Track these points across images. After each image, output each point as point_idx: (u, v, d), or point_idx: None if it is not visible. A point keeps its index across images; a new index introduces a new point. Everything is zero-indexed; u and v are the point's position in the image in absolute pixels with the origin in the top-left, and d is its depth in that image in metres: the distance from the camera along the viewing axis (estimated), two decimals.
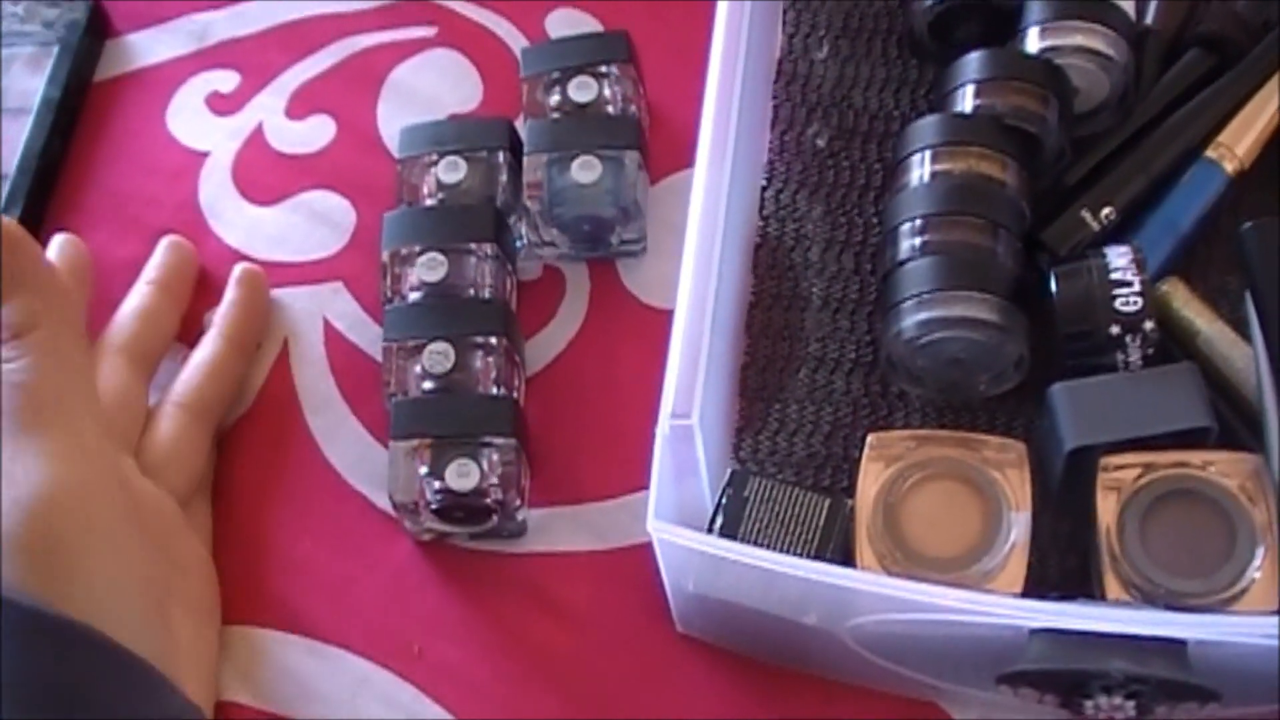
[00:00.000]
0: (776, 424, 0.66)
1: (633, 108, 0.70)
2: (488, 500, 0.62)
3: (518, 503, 0.63)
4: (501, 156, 0.70)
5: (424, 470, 0.63)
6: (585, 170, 0.67)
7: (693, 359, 0.57)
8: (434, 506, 0.63)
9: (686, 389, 0.56)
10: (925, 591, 0.53)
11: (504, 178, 0.69)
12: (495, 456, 0.63)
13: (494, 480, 0.62)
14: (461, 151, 0.70)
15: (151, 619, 0.57)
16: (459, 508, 0.63)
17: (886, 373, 0.65)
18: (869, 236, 0.69)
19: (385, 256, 0.68)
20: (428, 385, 0.65)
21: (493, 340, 0.65)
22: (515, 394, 0.66)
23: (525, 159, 0.68)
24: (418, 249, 0.67)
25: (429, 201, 0.69)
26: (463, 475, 0.62)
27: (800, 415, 0.66)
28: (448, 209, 0.69)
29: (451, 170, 0.69)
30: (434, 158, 0.70)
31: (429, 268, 0.66)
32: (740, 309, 0.68)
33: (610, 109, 0.69)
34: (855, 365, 0.67)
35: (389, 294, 0.67)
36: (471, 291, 0.67)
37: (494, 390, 0.65)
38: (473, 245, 0.67)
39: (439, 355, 0.65)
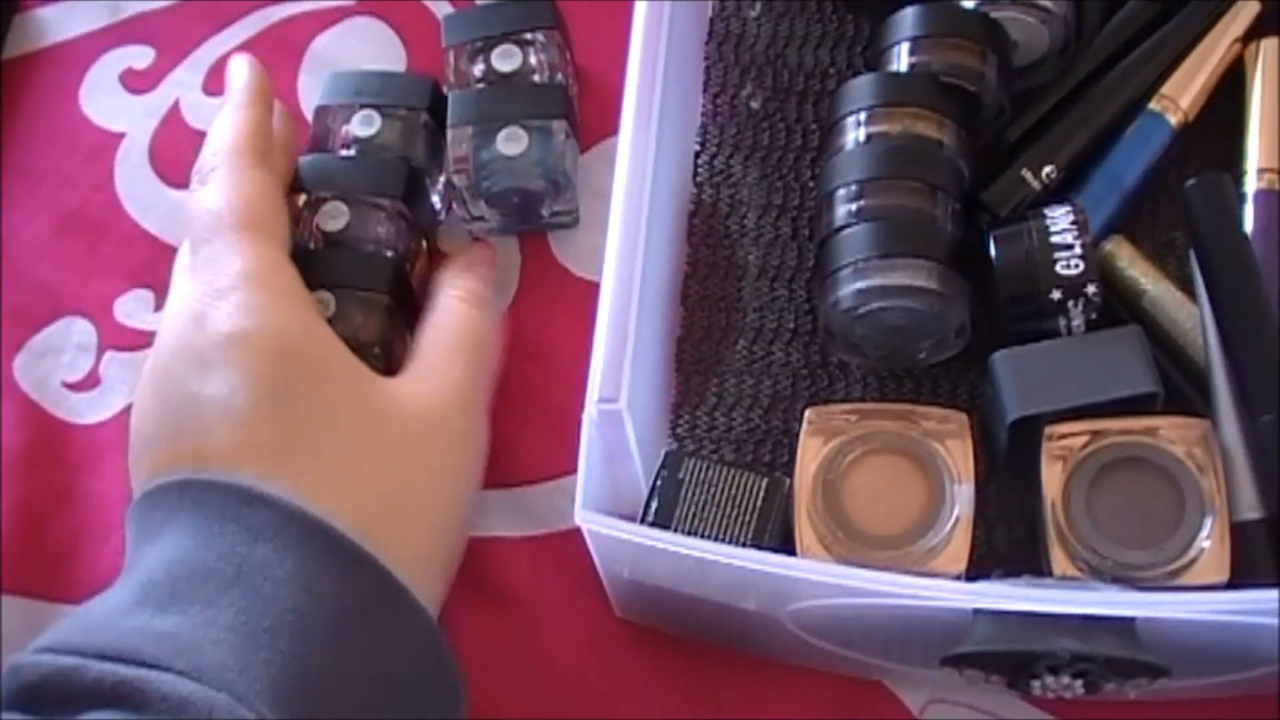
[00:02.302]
0: (715, 398, 0.64)
1: (560, 76, 0.67)
2: None
3: None
4: (421, 118, 0.67)
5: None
6: (511, 142, 0.65)
7: (620, 339, 0.55)
8: None
9: (614, 371, 0.55)
10: (865, 577, 0.51)
11: (421, 140, 0.67)
12: None
13: None
14: (380, 106, 0.67)
15: None
16: None
17: (825, 342, 0.64)
18: (806, 201, 0.67)
19: (299, 201, 0.65)
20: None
21: (377, 297, 0.63)
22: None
23: (450, 132, 0.66)
24: (325, 195, 0.64)
25: (341, 153, 0.67)
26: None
27: (739, 389, 0.64)
28: (361, 160, 0.66)
29: (366, 124, 0.66)
30: (352, 108, 0.67)
31: (331, 216, 0.64)
32: (675, 279, 0.66)
33: (536, 77, 0.67)
34: (794, 335, 0.65)
35: (297, 239, 0.64)
36: (371, 247, 0.64)
37: (376, 351, 0.62)
38: (381, 201, 0.64)
39: (321, 304, 0.62)
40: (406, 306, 0.64)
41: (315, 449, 0.54)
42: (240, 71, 0.65)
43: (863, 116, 0.62)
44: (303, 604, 0.50)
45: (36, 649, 0.49)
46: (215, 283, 0.57)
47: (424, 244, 0.67)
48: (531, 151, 0.65)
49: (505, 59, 0.67)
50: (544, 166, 0.65)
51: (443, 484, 0.58)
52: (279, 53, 0.72)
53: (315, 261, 0.62)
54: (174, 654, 0.48)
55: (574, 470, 0.54)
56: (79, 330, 0.68)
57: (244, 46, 0.73)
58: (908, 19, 0.64)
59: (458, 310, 0.63)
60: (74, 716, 0.47)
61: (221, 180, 0.60)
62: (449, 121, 0.66)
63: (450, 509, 0.58)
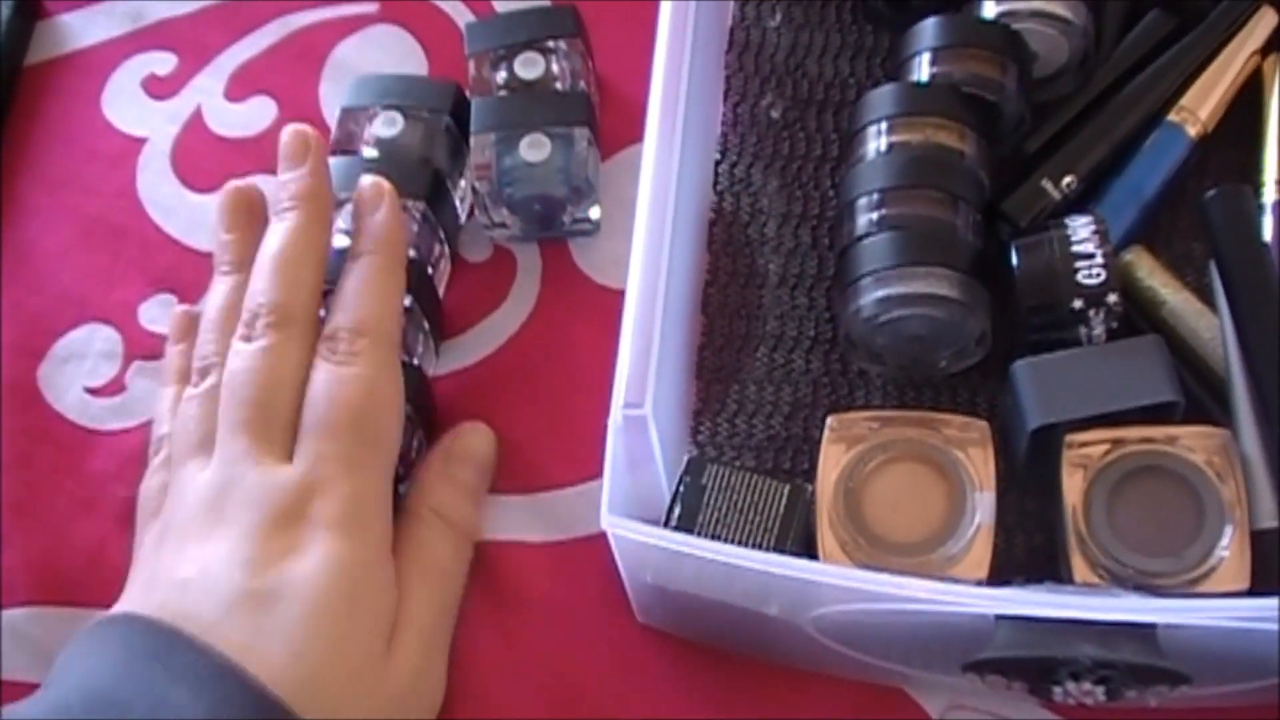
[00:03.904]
0: (735, 405, 0.65)
1: (581, 83, 0.68)
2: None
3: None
4: (444, 121, 0.68)
5: None
6: (534, 149, 0.65)
7: (645, 346, 0.55)
8: None
9: (639, 378, 0.55)
10: (888, 582, 0.51)
11: (443, 143, 0.67)
12: None
13: None
14: (403, 108, 0.68)
15: None
16: None
17: (846, 350, 0.64)
18: (826, 210, 0.67)
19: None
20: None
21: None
22: (417, 363, 0.64)
23: (472, 139, 0.66)
24: (343, 196, 0.65)
25: (365, 153, 0.67)
26: None
27: (759, 396, 0.65)
28: (384, 162, 0.67)
29: (389, 125, 0.67)
30: (375, 111, 0.68)
31: (351, 217, 0.64)
32: (696, 287, 0.66)
33: (559, 85, 0.67)
34: (815, 343, 0.65)
35: None
36: None
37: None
38: (404, 202, 0.64)
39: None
40: (429, 308, 0.64)
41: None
42: (383, 217, 0.63)
43: (884, 126, 0.63)
44: None
45: None
46: (323, 488, 0.57)
47: (446, 247, 0.67)
48: (554, 158, 0.65)
49: (528, 66, 0.67)
50: (566, 173, 0.66)
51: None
52: (300, 60, 0.73)
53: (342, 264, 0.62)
54: None
55: (595, 476, 0.55)
56: (102, 337, 0.68)
57: (266, 53, 0.73)
58: (929, 30, 0.64)
59: (424, 540, 0.61)
60: None
61: (368, 373, 0.59)
62: (472, 128, 0.66)
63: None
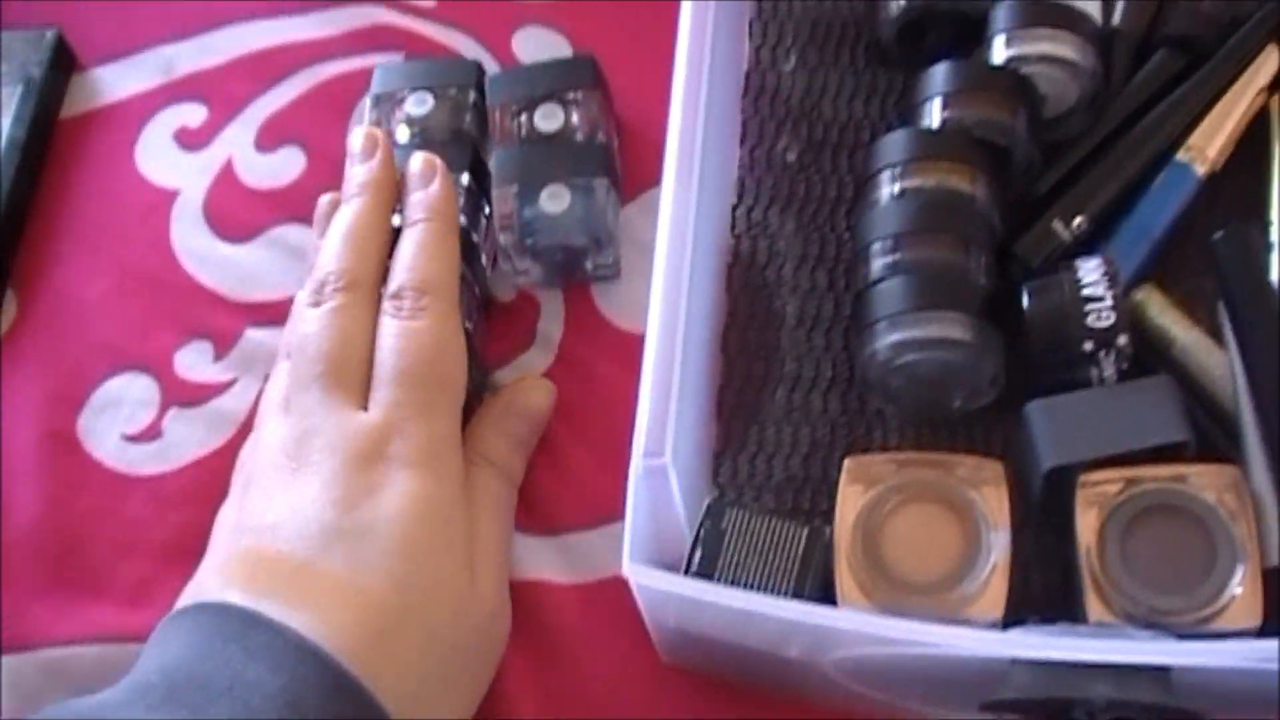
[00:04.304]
0: (755, 446, 0.66)
1: (600, 133, 0.69)
2: None
3: None
4: (471, 96, 0.71)
5: None
6: (554, 200, 0.67)
7: (664, 394, 0.57)
8: None
9: (658, 427, 0.56)
10: (905, 628, 0.53)
11: (474, 116, 0.71)
12: None
13: None
14: (431, 88, 0.71)
15: None
16: None
17: (862, 391, 0.65)
18: (842, 251, 0.69)
19: None
20: None
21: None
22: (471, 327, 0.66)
23: (494, 191, 0.68)
24: None
25: (399, 137, 0.71)
26: None
27: (778, 437, 0.66)
28: (419, 138, 0.70)
29: (420, 104, 0.71)
30: (403, 94, 0.71)
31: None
32: (715, 329, 0.68)
33: (579, 135, 0.69)
34: (832, 384, 0.67)
35: None
36: None
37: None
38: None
39: None
40: (477, 272, 0.68)
41: (383, 617, 0.56)
42: (438, 188, 0.67)
43: (897, 171, 0.64)
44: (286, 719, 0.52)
45: None
46: (401, 431, 0.60)
47: (488, 210, 0.70)
48: (574, 209, 0.67)
49: (548, 118, 0.69)
50: (586, 223, 0.67)
51: (481, 658, 0.61)
52: (328, 110, 0.75)
53: None
54: None
55: (619, 516, 0.56)
56: (140, 385, 0.70)
57: (294, 104, 0.75)
58: (939, 75, 0.66)
59: (483, 481, 0.64)
60: None
61: (434, 325, 0.62)
62: (493, 180, 0.68)
63: (475, 679, 0.61)
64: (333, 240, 0.65)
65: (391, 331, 0.62)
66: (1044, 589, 0.62)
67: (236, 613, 0.55)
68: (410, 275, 0.63)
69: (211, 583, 0.58)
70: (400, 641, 0.56)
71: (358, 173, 0.66)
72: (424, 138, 0.70)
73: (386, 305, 0.63)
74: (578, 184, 0.67)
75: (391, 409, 0.60)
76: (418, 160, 0.67)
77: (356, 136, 0.68)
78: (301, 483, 0.59)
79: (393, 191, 0.67)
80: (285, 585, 0.56)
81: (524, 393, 0.67)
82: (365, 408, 0.61)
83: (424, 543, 0.59)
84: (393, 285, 0.63)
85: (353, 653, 0.54)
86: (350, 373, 0.62)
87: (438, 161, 0.67)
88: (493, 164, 0.69)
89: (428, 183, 0.66)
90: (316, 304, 0.63)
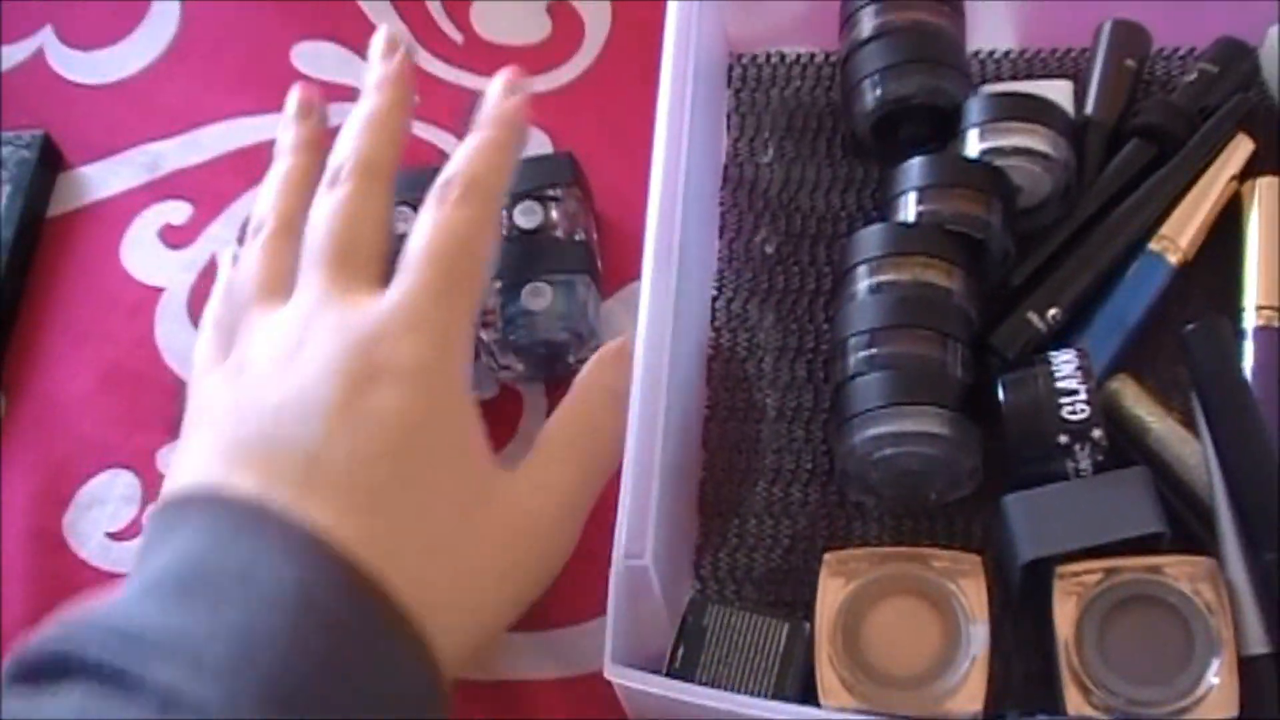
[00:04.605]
0: (736, 540, 0.66)
1: (579, 230, 0.70)
2: None
3: None
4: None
5: None
6: (536, 296, 0.68)
7: (643, 494, 0.57)
8: None
9: (638, 527, 0.57)
10: None
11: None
12: None
13: None
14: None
15: None
16: None
17: (842, 484, 0.66)
18: (821, 343, 0.70)
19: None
20: None
21: None
22: None
23: None
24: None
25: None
26: None
27: (759, 530, 0.66)
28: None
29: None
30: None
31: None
32: (696, 422, 0.68)
33: (559, 232, 0.70)
34: (812, 476, 0.67)
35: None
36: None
37: None
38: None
39: None
40: None
41: (403, 521, 0.55)
42: (395, 64, 0.66)
43: (873, 265, 0.65)
44: (300, 616, 0.50)
45: (36, 638, 0.50)
46: (412, 317, 0.58)
47: None
48: (556, 305, 0.68)
49: (527, 215, 0.70)
50: (567, 320, 0.68)
51: (510, 577, 0.59)
52: None
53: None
54: (173, 648, 0.48)
55: (603, 613, 0.56)
56: (123, 482, 0.71)
57: None
58: (914, 169, 0.66)
59: (590, 408, 0.63)
60: (64, 691, 0.48)
61: (475, 218, 0.61)
62: None
63: (506, 597, 0.59)
64: (351, 125, 0.63)
65: (430, 217, 0.60)
66: (1025, 678, 0.62)
67: (244, 504, 0.54)
68: (463, 167, 0.62)
69: (213, 468, 0.56)
70: (407, 539, 0.55)
71: (377, 70, 0.65)
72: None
73: (434, 190, 0.61)
74: (559, 280, 0.68)
75: (410, 293, 0.58)
76: (499, 80, 0.66)
77: (378, 37, 0.66)
78: (304, 362, 0.57)
79: (411, 90, 0.66)
80: (292, 473, 0.55)
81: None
82: (376, 293, 0.59)
83: (433, 437, 0.57)
84: (443, 175, 0.62)
85: (361, 546, 0.53)
86: (360, 255, 0.60)
87: (520, 78, 0.66)
88: None
89: (507, 96, 0.65)
90: (332, 186, 0.62)
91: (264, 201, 0.65)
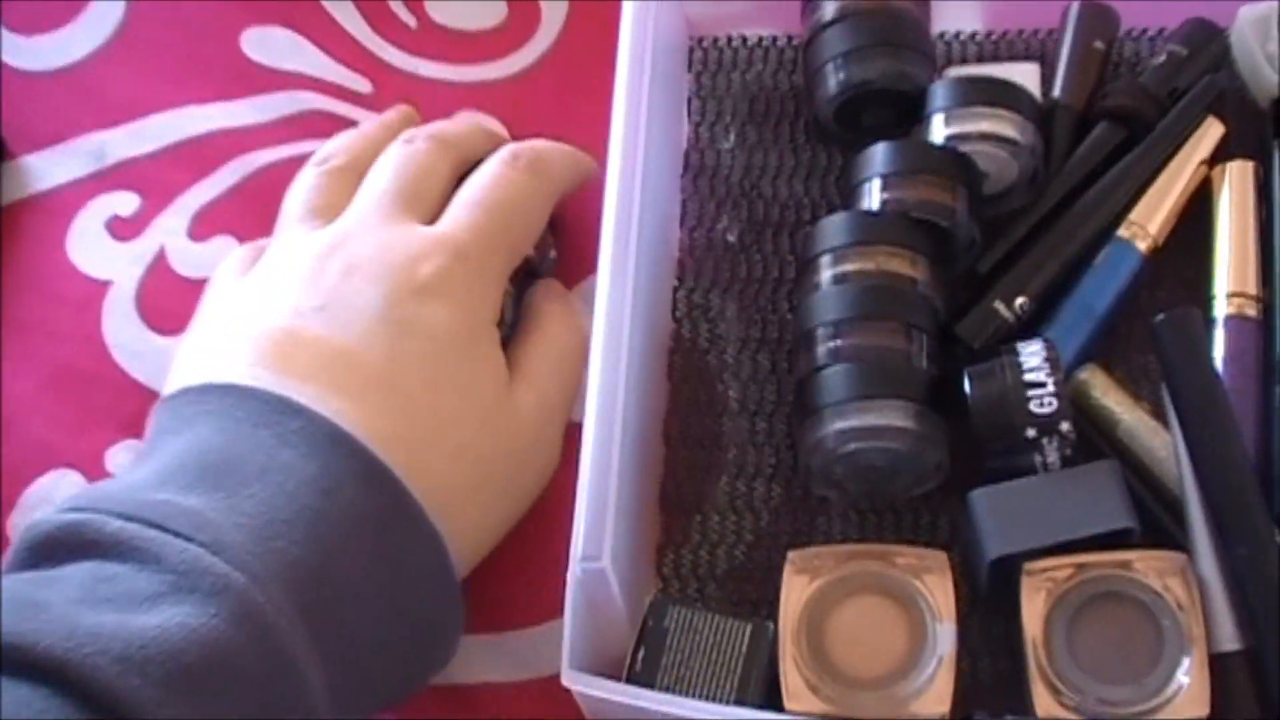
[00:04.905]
0: (699, 537, 0.65)
1: None
2: None
3: None
4: None
5: None
6: None
7: (601, 495, 0.56)
8: None
9: (596, 529, 0.55)
10: None
11: None
12: None
13: None
14: None
15: None
16: None
17: (806, 480, 0.64)
18: (785, 334, 0.68)
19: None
20: None
21: None
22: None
23: None
24: None
25: None
26: None
27: (722, 527, 0.65)
28: None
29: None
30: None
31: None
32: (657, 417, 0.67)
33: None
34: (775, 471, 0.66)
35: None
36: None
37: None
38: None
39: None
40: None
41: (432, 425, 0.58)
42: None
43: (836, 255, 0.63)
44: (321, 505, 0.52)
45: (55, 509, 0.51)
46: (460, 247, 0.61)
47: None
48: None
49: None
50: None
51: (513, 486, 0.63)
52: (260, 199, 0.73)
53: None
54: (196, 528, 0.49)
55: (562, 613, 0.55)
56: (70, 483, 0.68)
57: (229, 192, 0.74)
58: (878, 156, 0.65)
59: (557, 331, 0.66)
60: (86, 563, 0.48)
61: (535, 186, 0.65)
62: None
63: (509, 507, 0.63)
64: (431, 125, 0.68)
65: (494, 170, 0.65)
66: (994, 676, 0.61)
67: (267, 397, 0.55)
68: (536, 144, 0.66)
69: (235, 361, 0.57)
70: (430, 443, 0.57)
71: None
72: None
73: (502, 152, 0.65)
74: None
75: (455, 226, 0.62)
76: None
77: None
78: (346, 271, 0.60)
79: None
80: (322, 370, 0.57)
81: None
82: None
83: (465, 352, 0.60)
84: (511, 147, 0.66)
85: (384, 445, 0.55)
86: (417, 200, 0.63)
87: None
88: None
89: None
90: (404, 143, 0.65)
91: (336, 141, 0.68)
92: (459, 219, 0.62)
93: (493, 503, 0.61)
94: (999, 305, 0.65)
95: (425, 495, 0.55)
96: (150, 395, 0.70)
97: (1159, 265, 0.66)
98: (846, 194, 0.67)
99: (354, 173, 0.65)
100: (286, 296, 0.60)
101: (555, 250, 0.70)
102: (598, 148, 0.64)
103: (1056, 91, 0.69)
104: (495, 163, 0.65)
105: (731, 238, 0.70)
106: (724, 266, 0.70)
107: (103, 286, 0.73)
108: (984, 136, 0.65)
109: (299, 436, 0.54)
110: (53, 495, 0.68)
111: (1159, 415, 0.63)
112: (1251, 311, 0.64)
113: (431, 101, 0.74)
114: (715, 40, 0.74)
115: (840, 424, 0.61)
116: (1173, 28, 0.70)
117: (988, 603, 0.61)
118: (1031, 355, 0.61)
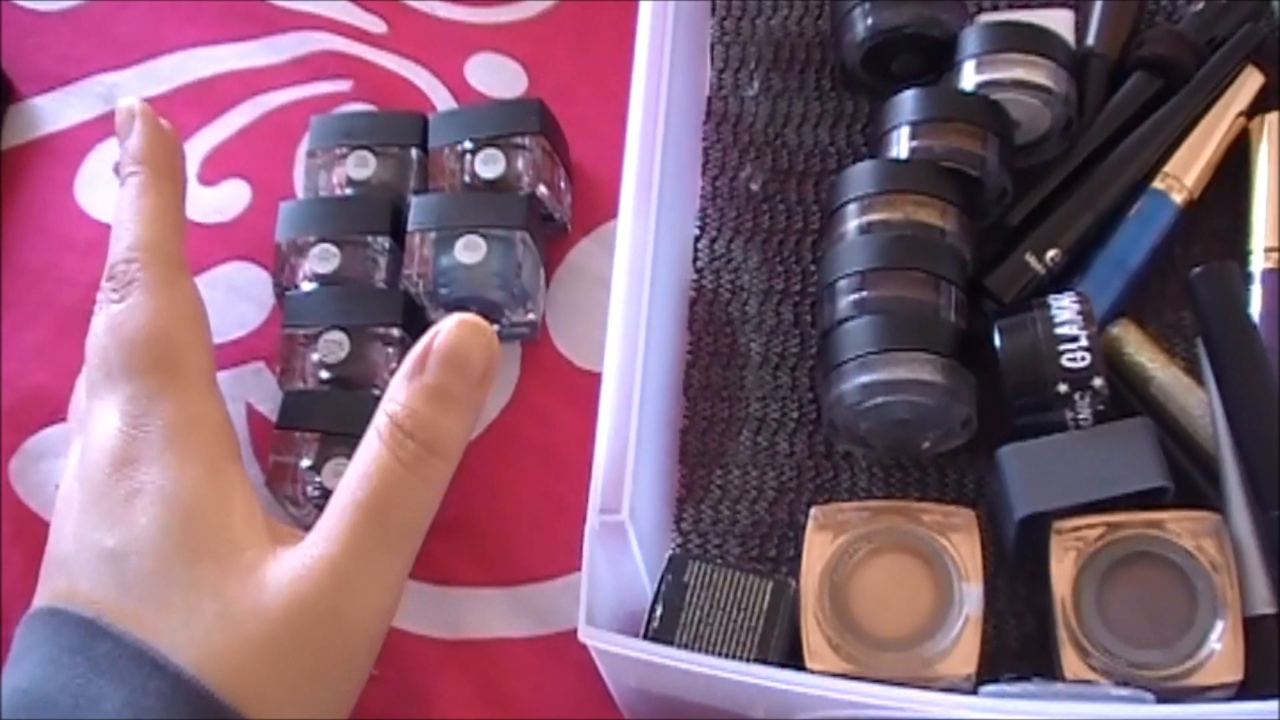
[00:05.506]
0: (719, 491, 0.64)
1: (542, 185, 0.66)
2: None
3: None
4: (414, 154, 0.68)
5: (306, 464, 0.62)
6: (469, 250, 0.64)
7: (620, 447, 0.55)
8: (315, 503, 0.62)
9: (615, 481, 0.54)
10: (872, 692, 0.51)
11: (417, 175, 0.68)
12: None
13: None
14: (372, 146, 0.68)
15: None
16: None
17: (829, 434, 0.63)
18: (808, 286, 0.66)
19: (282, 244, 0.67)
20: (323, 375, 0.64)
21: (392, 331, 0.64)
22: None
23: (408, 236, 0.65)
24: (311, 239, 0.66)
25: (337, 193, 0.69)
26: (338, 475, 0.56)
27: (743, 481, 0.63)
28: (343, 200, 0.68)
29: (361, 165, 0.68)
30: (343, 151, 0.68)
31: (321, 259, 0.66)
32: (677, 369, 0.65)
33: (524, 181, 0.66)
34: (798, 425, 0.64)
35: (284, 283, 0.67)
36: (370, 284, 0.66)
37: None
38: (368, 238, 0.66)
39: (334, 344, 0.64)
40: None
41: (183, 611, 0.53)
42: (136, 137, 0.62)
43: (863, 204, 0.62)
44: None
45: None
46: (139, 429, 0.56)
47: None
48: (490, 261, 0.64)
49: (489, 164, 0.66)
50: (503, 277, 0.64)
51: (318, 668, 0.54)
52: (272, 141, 0.72)
53: (315, 303, 0.65)
54: None
55: (579, 567, 0.54)
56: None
57: (240, 133, 0.73)
58: (907, 103, 0.63)
59: (373, 460, 0.54)
60: None
61: (141, 299, 0.58)
62: (409, 225, 0.66)
63: (320, 689, 0.54)
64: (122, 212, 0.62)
65: (101, 324, 0.58)
66: (1020, 639, 0.60)
67: (79, 621, 0.53)
68: (116, 246, 0.60)
69: (57, 581, 0.55)
70: (239, 646, 0.52)
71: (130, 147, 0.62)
72: (363, 200, 0.68)
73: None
74: (495, 235, 0.64)
75: (123, 406, 0.56)
76: (121, 107, 0.63)
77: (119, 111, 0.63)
78: (76, 502, 0.56)
79: (173, 160, 0.63)
80: (120, 593, 0.54)
81: (445, 333, 0.54)
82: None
83: (184, 542, 0.54)
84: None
85: (192, 659, 0.52)
86: (97, 369, 0.58)
87: (137, 106, 0.62)
88: (411, 209, 0.66)
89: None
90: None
91: None
92: (114, 403, 0.57)
93: (297, 688, 0.53)
94: (1030, 258, 0.63)
95: (241, 702, 0.51)
96: None
97: (1194, 219, 0.65)
98: (874, 142, 0.65)
99: None
100: (90, 522, 0.56)
101: (570, 195, 0.68)
102: (618, 92, 0.62)
103: (1091, 39, 0.67)
104: (98, 312, 0.59)
105: (755, 186, 0.69)
106: (746, 215, 0.68)
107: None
108: (1016, 84, 0.63)
109: (108, 662, 0.52)
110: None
111: (1192, 372, 0.61)
112: None
113: (448, 43, 0.73)
114: None
115: (865, 377, 0.59)
116: None
117: (1015, 562, 0.60)
118: (1064, 308, 0.59)
